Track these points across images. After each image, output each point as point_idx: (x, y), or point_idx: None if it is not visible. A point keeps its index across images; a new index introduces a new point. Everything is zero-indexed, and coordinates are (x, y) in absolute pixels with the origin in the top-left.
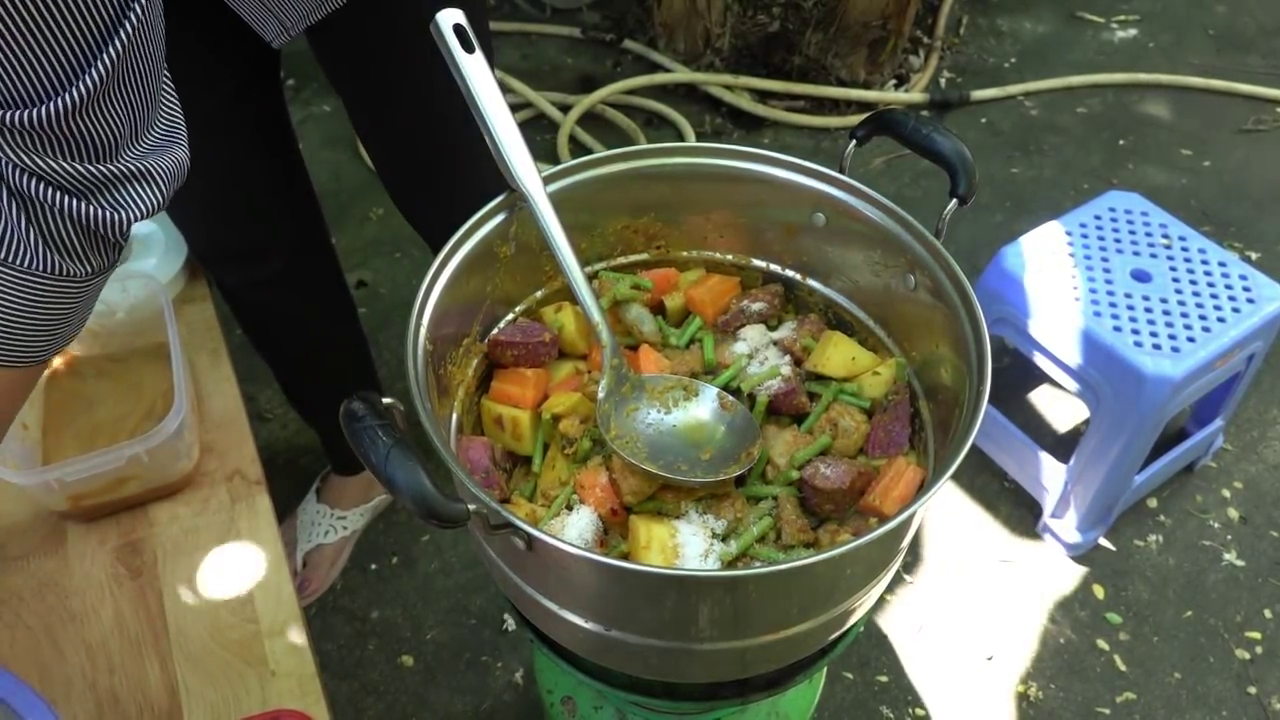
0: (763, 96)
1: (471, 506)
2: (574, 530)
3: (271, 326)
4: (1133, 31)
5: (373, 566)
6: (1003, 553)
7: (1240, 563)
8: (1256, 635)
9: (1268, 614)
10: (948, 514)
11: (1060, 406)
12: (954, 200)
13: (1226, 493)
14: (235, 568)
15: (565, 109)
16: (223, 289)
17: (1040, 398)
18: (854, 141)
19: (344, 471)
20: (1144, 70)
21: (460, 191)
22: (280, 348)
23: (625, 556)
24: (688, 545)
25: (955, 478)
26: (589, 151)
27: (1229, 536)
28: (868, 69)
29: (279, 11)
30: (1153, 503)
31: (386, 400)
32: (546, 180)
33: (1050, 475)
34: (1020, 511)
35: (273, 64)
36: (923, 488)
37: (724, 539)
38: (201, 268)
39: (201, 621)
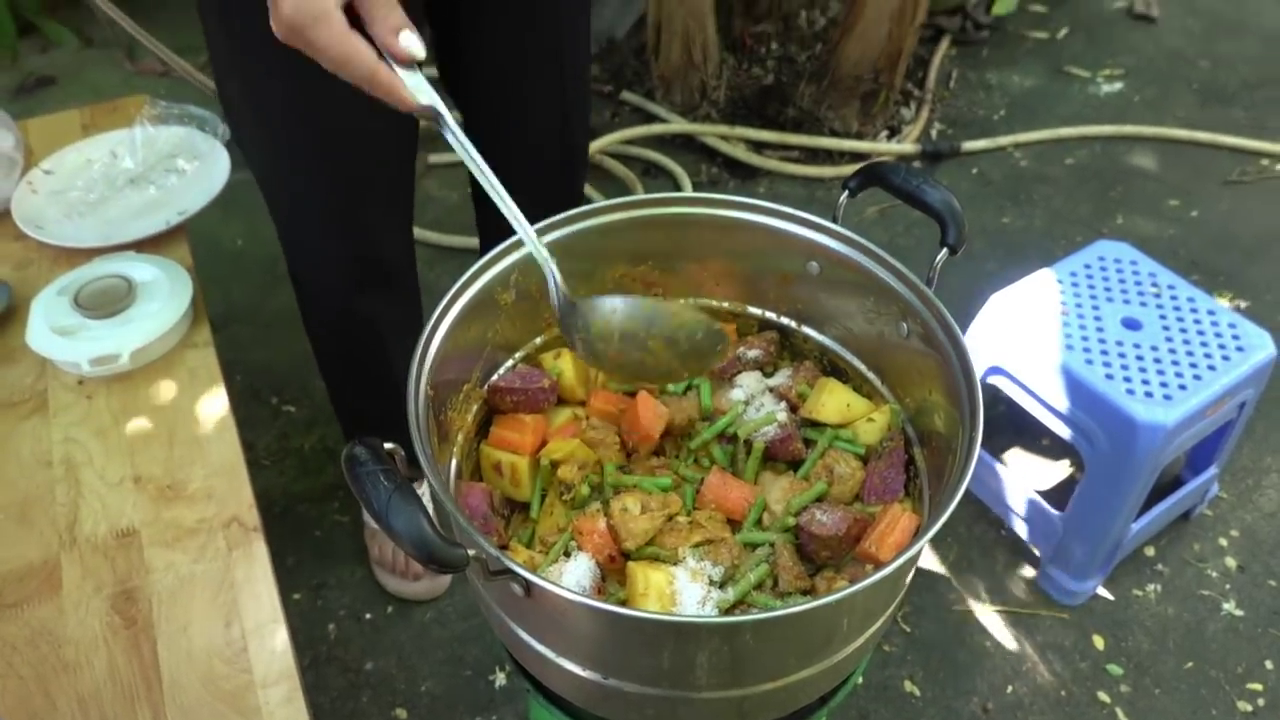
0: (758, 147)
1: (471, 552)
2: (572, 577)
3: (386, 345)
4: (1118, 85)
5: (367, 616)
6: (1001, 602)
7: (1240, 612)
8: (1258, 687)
9: (1269, 665)
10: (945, 563)
11: (1055, 454)
12: (944, 250)
13: (1224, 541)
14: (230, 617)
15: None
16: (349, 312)
17: (1035, 445)
18: (846, 193)
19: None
20: (1130, 123)
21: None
22: (375, 369)
23: (623, 603)
24: (685, 592)
25: (952, 526)
26: (588, 200)
27: (1228, 586)
28: (860, 121)
29: None
30: (1150, 551)
31: (388, 445)
32: (547, 229)
33: (1047, 523)
34: (1018, 560)
35: None
36: (918, 534)
37: (721, 586)
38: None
39: (195, 671)
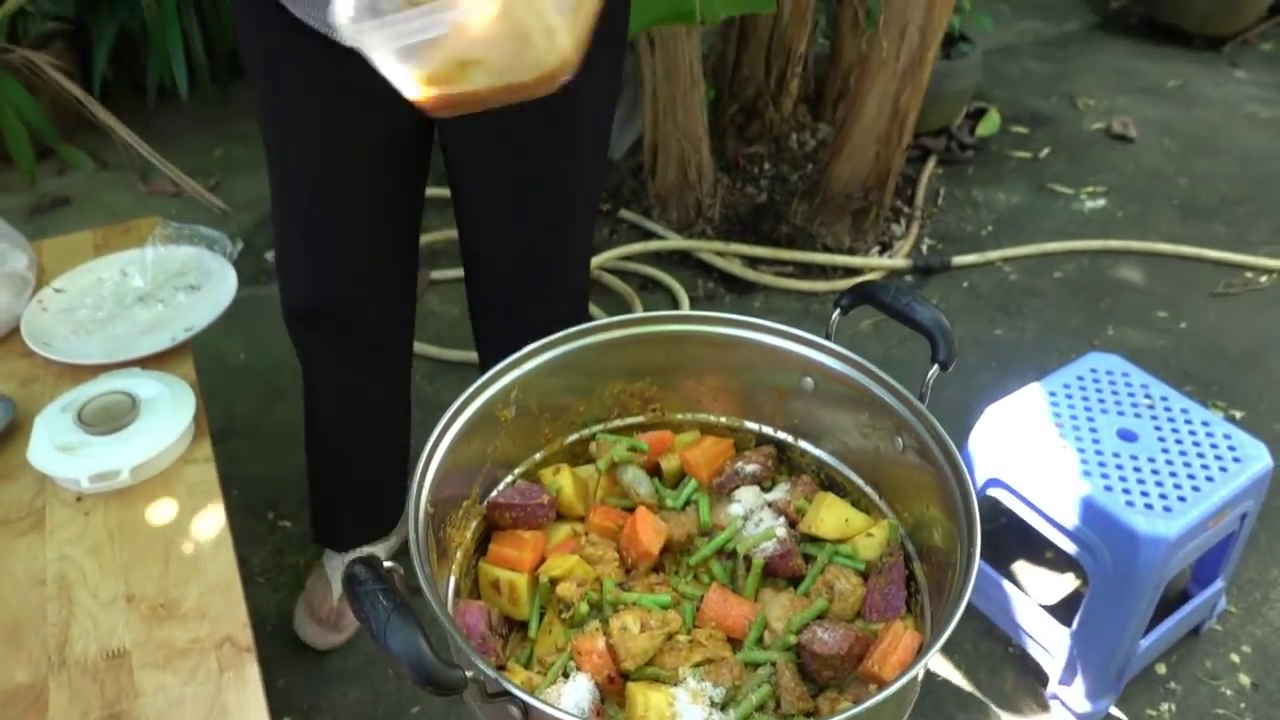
0: (753, 262)
1: (469, 673)
2: (570, 699)
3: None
4: (1101, 202)
5: None
6: None
7: None
8: None
9: None
10: (952, 681)
11: (1060, 566)
12: (936, 366)
13: (1235, 657)
14: None
15: None
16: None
17: (1040, 557)
18: (838, 311)
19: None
20: (1115, 238)
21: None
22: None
23: None
24: (686, 714)
25: (958, 644)
26: (589, 316)
27: (1243, 705)
28: (852, 236)
29: None
30: (1161, 669)
31: (388, 563)
32: (548, 346)
33: (1054, 640)
34: (1027, 679)
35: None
36: (921, 652)
37: (723, 708)
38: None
39: None
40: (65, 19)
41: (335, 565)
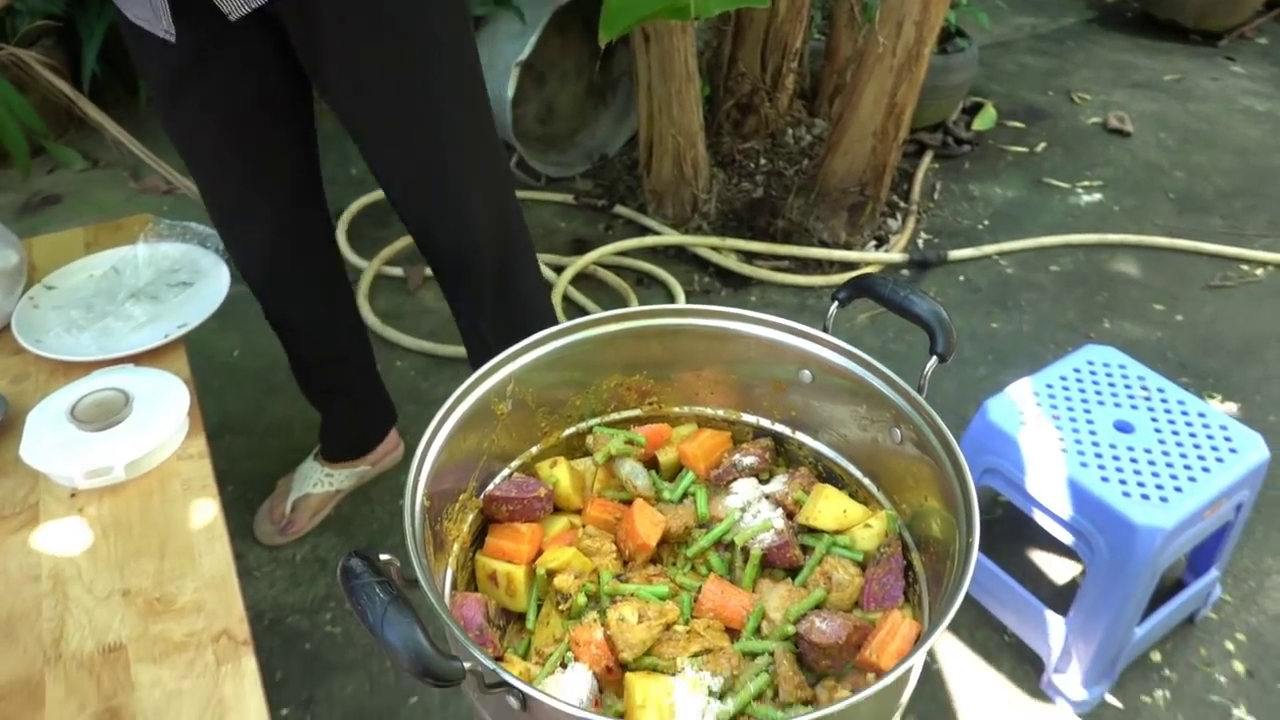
0: (749, 257)
1: (467, 665)
2: (569, 689)
3: (286, 322)
4: (1097, 196)
5: None
6: (1007, 710)
7: (1250, 719)
8: None
9: None
10: (949, 670)
11: (1056, 557)
12: (934, 358)
13: (1230, 645)
14: None
15: (559, 270)
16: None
17: (1036, 548)
18: (836, 304)
19: (331, 459)
20: (1111, 231)
21: (458, 176)
22: (290, 346)
23: (621, 716)
24: (684, 703)
25: (954, 632)
26: (583, 310)
27: (1236, 691)
28: (848, 231)
29: None
30: (1156, 656)
31: (384, 556)
32: (544, 340)
33: (1050, 629)
34: (1023, 667)
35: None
36: (919, 641)
37: (721, 697)
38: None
39: None
40: (54, 16)
41: (304, 473)
